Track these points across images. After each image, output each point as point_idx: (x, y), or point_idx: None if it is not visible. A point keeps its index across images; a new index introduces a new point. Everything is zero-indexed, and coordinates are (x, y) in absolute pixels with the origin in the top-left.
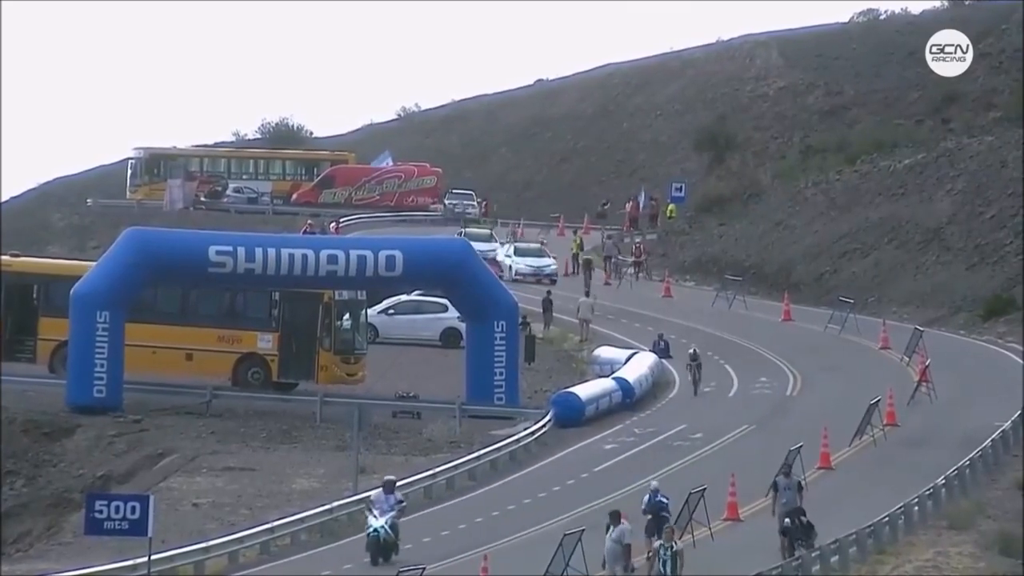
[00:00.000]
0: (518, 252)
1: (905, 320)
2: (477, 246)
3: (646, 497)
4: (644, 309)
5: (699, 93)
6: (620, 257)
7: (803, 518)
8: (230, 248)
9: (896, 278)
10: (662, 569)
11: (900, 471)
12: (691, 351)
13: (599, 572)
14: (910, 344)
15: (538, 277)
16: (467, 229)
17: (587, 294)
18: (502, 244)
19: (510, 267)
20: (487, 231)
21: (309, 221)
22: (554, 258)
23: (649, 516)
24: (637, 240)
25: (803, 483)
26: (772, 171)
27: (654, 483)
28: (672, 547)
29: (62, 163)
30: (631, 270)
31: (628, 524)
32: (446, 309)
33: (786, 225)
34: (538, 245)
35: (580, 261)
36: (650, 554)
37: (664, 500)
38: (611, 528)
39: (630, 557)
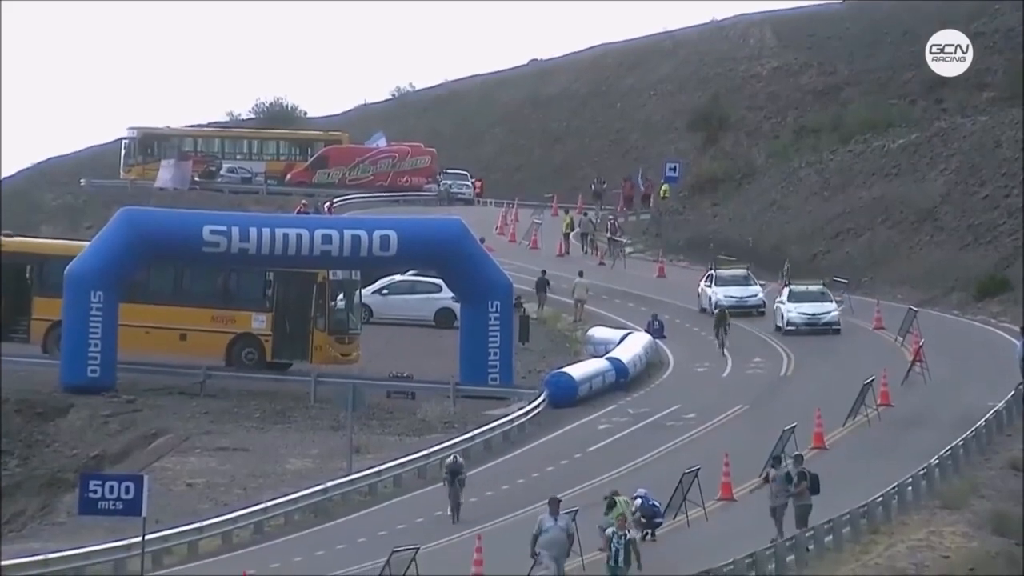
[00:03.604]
0: (719, 282)
1: (899, 300)
2: (732, 292)
3: (638, 501)
4: (638, 289)
5: (693, 73)
6: (596, 233)
7: (808, 471)
8: (224, 228)
9: (890, 258)
10: (611, 562)
11: (894, 451)
12: (717, 310)
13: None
14: (904, 324)
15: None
16: (717, 271)
17: (580, 274)
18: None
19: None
20: (743, 271)
21: (303, 201)
22: (762, 285)
23: (644, 518)
24: (610, 217)
25: (792, 473)
26: (766, 151)
27: (642, 489)
28: (624, 535)
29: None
30: (608, 247)
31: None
32: (440, 289)
33: (780, 205)
34: (744, 271)
35: (573, 240)
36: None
37: (656, 504)
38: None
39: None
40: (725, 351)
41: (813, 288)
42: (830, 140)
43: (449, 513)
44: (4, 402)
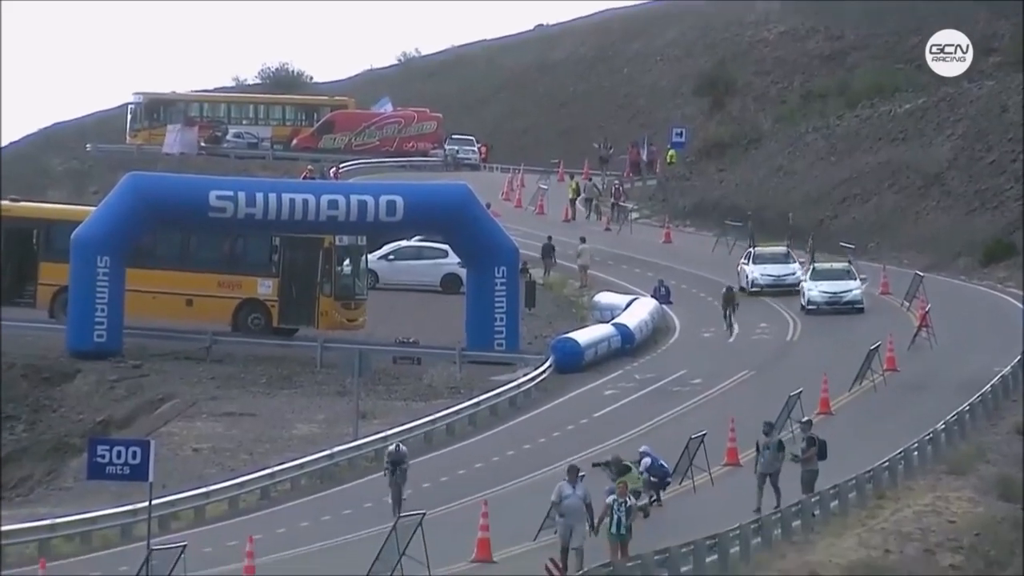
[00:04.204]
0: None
1: (905, 265)
2: (770, 270)
3: (648, 460)
4: (644, 255)
5: (699, 38)
6: (600, 199)
7: (816, 436)
8: (230, 193)
9: (896, 223)
10: (613, 529)
11: (900, 416)
12: (726, 289)
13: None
14: (910, 289)
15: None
16: (756, 249)
17: (582, 239)
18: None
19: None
20: (783, 248)
21: (309, 166)
22: (863, 279)
23: (654, 478)
24: (615, 183)
25: (784, 442)
26: (772, 116)
27: (644, 447)
28: (625, 503)
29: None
30: (612, 213)
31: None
32: (446, 255)
33: (786, 170)
34: (784, 249)
35: (579, 206)
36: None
37: (664, 463)
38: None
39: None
40: (734, 331)
41: (837, 266)
42: (837, 105)
43: (390, 503)
44: (10, 367)
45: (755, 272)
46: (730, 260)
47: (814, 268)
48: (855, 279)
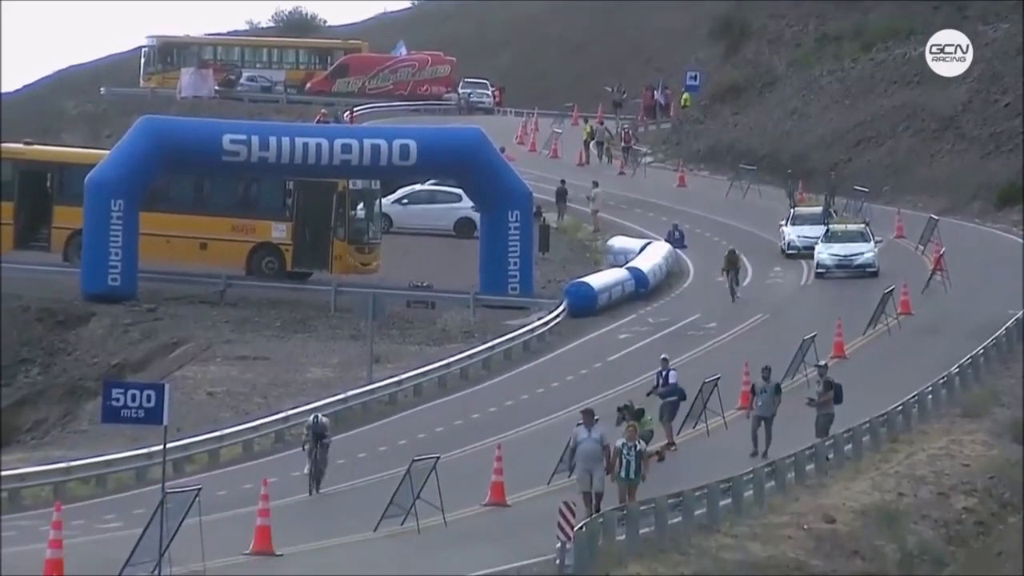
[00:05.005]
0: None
1: (919, 209)
2: (807, 231)
3: (665, 373)
4: (658, 199)
5: None
6: (611, 142)
7: (832, 380)
8: (244, 137)
9: (911, 167)
10: (623, 473)
11: (914, 360)
12: (728, 251)
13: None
14: (925, 233)
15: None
16: (796, 209)
17: (595, 184)
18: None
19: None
20: (859, 227)
21: (323, 110)
22: (878, 241)
23: (669, 399)
24: (625, 126)
25: (781, 387)
26: (787, 59)
27: (664, 354)
28: (635, 446)
29: (76, 51)
30: (624, 156)
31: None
32: (460, 199)
33: (801, 114)
34: (861, 226)
35: (593, 150)
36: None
37: (676, 380)
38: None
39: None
40: (736, 298)
41: (852, 227)
42: (852, 48)
43: (308, 479)
44: (25, 310)
45: (791, 234)
46: (744, 203)
47: (828, 230)
48: (869, 241)
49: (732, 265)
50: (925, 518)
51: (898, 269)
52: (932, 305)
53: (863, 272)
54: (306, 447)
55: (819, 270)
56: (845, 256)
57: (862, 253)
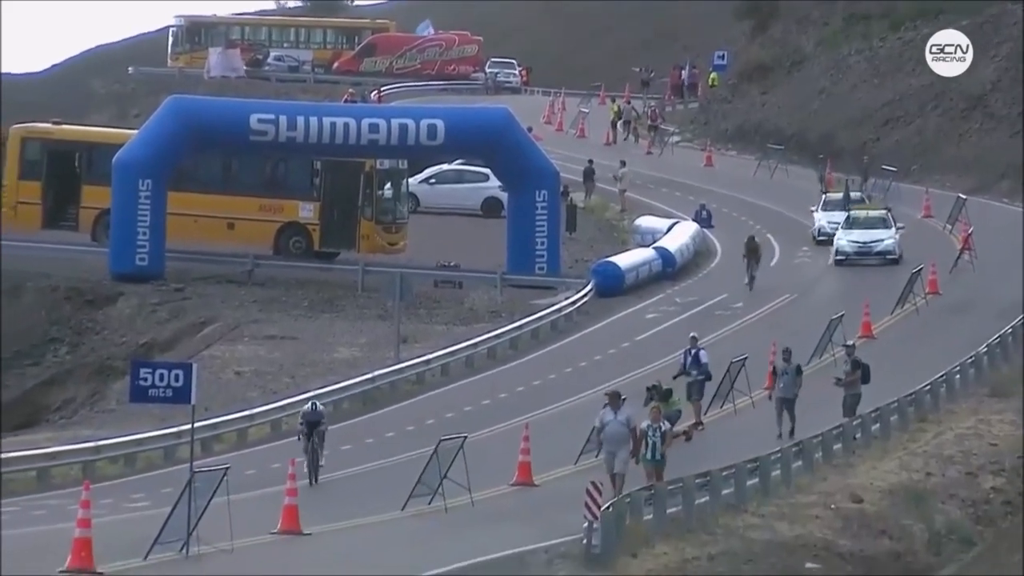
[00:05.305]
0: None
1: (948, 188)
2: (837, 217)
3: (695, 352)
4: (685, 178)
5: None
6: (638, 121)
7: (860, 360)
8: (272, 116)
9: (939, 146)
10: (648, 454)
11: (942, 339)
12: (748, 239)
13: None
14: (953, 212)
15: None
16: (827, 195)
17: (622, 163)
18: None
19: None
20: (881, 212)
21: (350, 90)
22: (900, 227)
23: (695, 377)
24: (651, 105)
25: (803, 368)
26: (815, 38)
27: (693, 332)
28: (660, 427)
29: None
30: (651, 136)
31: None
32: (487, 178)
33: (829, 93)
34: (883, 212)
35: (619, 128)
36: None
37: (705, 359)
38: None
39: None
40: (754, 286)
41: (874, 213)
42: (880, 27)
43: (306, 471)
44: (54, 290)
45: (822, 220)
46: (772, 183)
47: (849, 216)
48: (890, 227)
49: (753, 253)
50: (953, 498)
51: (926, 249)
52: (960, 284)
53: (883, 259)
54: (300, 437)
55: (838, 257)
56: (865, 243)
57: (882, 240)
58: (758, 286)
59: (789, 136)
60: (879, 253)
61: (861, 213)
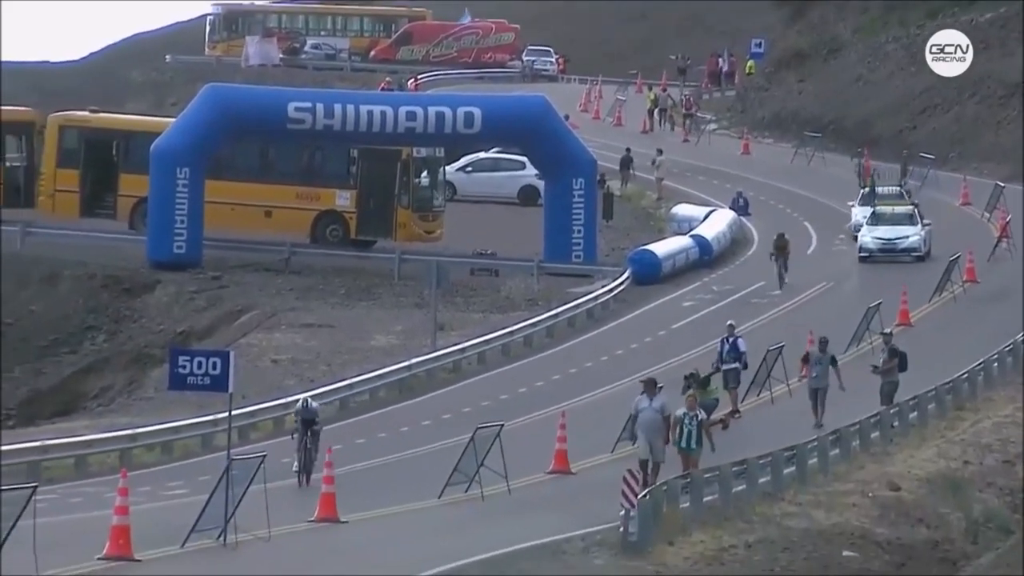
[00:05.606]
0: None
1: (985, 176)
2: (883, 232)
3: (733, 340)
4: (722, 166)
5: None
6: (673, 109)
7: (898, 347)
8: (309, 104)
9: (977, 133)
10: (683, 443)
11: (979, 327)
12: (776, 236)
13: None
14: (991, 200)
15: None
16: (878, 208)
17: (659, 151)
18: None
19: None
20: (907, 209)
21: (387, 78)
22: (927, 224)
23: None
24: (686, 93)
25: (837, 359)
26: (852, 26)
27: (731, 320)
28: (696, 416)
29: (141, 20)
30: (686, 124)
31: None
32: (524, 167)
33: (866, 80)
34: (909, 208)
35: (655, 116)
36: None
37: (741, 348)
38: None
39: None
40: (783, 284)
41: (900, 209)
42: (917, 14)
43: (296, 470)
44: (91, 278)
45: (858, 215)
46: (809, 171)
47: (874, 211)
48: (916, 224)
49: (781, 251)
50: (991, 486)
51: (964, 237)
52: (998, 272)
53: (908, 257)
54: (295, 436)
55: (862, 254)
56: (889, 239)
57: (907, 236)
58: (791, 279)
59: (826, 124)
60: (904, 250)
61: (887, 209)
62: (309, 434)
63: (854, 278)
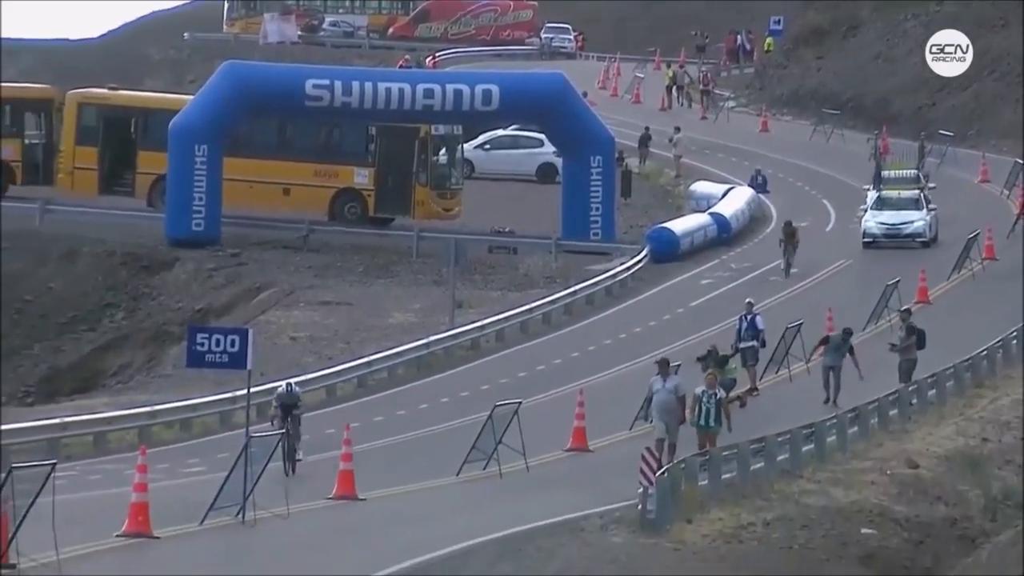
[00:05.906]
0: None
1: (1005, 153)
2: (887, 217)
3: (751, 318)
4: (741, 144)
5: None
6: (689, 86)
7: (916, 325)
8: (327, 82)
9: (996, 111)
10: (702, 421)
11: (998, 305)
12: (785, 224)
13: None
14: (1010, 178)
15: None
16: (884, 192)
17: (677, 129)
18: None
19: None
20: (913, 193)
21: (405, 55)
22: (932, 209)
23: (748, 343)
24: (703, 70)
25: (853, 346)
26: (871, 3)
27: (749, 298)
28: (715, 394)
29: None
30: (703, 101)
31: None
32: (542, 144)
33: (885, 57)
34: (915, 193)
35: (673, 94)
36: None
37: (759, 326)
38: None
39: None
40: (791, 272)
41: (907, 193)
42: None
43: (282, 462)
44: (110, 255)
45: (869, 222)
46: (827, 148)
47: (879, 196)
48: (922, 209)
49: (790, 239)
50: (1009, 463)
51: (983, 214)
52: (1017, 250)
53: (913, 242)
54: (275, 422)
55: (865, 239)
56: (893, 224)
57: (912, 222)
58: (805, 259)
59: (845, 101)
60: (909, 235)
61: (892, 194)
62: (290, 419)
63: (872, 255)
